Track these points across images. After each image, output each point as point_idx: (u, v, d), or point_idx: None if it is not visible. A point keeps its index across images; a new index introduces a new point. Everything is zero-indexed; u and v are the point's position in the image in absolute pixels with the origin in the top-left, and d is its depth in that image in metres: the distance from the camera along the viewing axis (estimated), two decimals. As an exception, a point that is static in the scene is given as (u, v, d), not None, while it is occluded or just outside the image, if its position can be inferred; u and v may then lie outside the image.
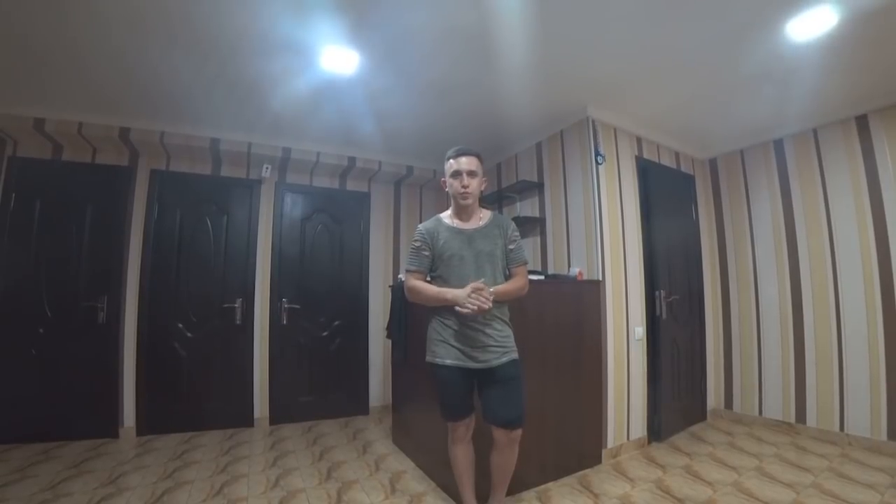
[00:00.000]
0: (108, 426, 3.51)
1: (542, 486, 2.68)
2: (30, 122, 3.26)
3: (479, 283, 1.95)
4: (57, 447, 3.26)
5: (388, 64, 2.73)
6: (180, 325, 3.80)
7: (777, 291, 3.73)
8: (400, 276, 2.86)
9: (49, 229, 3.51)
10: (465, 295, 1.93)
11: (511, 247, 2.19)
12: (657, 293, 3.52)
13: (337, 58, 2.62)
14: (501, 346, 2.08)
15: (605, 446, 3.09)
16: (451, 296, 1.99)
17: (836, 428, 3.30)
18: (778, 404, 3.67)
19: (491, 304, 1.93)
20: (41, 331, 3.42)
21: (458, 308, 1.95)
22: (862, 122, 3.25)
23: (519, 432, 2.11)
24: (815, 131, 3.52)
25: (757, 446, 3.29)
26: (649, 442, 3.40)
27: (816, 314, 3.47)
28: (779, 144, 3.76)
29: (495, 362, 2.05)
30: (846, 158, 3.34)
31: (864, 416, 3.16)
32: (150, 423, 3.62)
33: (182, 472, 2.92)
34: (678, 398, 3.65)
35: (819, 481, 2.65)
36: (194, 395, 3.80)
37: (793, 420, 3.56)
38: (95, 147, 3.65)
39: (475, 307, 1.90)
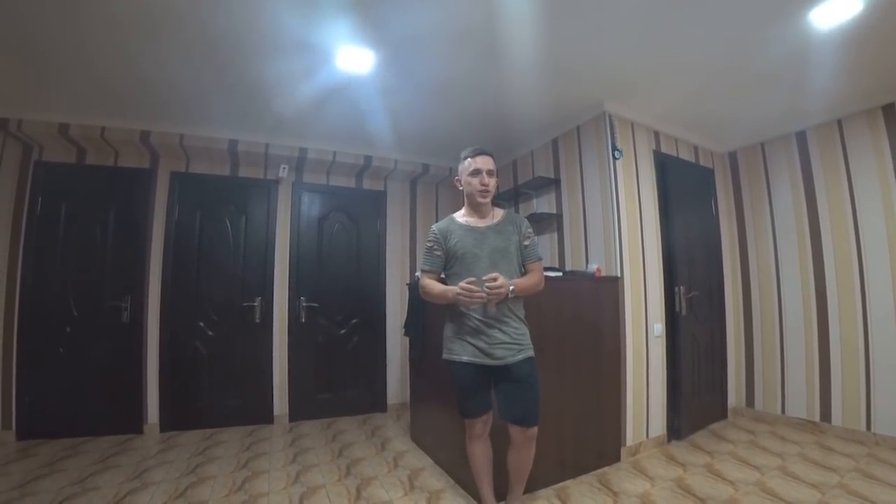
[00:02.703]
0: (132, 422, 3.60)
1: (561, 484, 2.67)
2: (55, 127, 3.35)
3: (486, 276, 1.97)
4: (84, 442, 3.36)
5: (402, 62, 2.74)
6: (201, 324, 3.87)
7: (800, 287, 3.65)
8: (417, 273, 2.88)
9: (74, 231, 3.60)
10: (459, 290, 1.96)
11: (525, 243, 2.20)
12: (676, 289, 3.47)
13: (352, 57, 2.63)
14: (517, 343, 2.09)
15: (624, 444, 3.07)
16: (451, 295, 2.02)
17: (863, 427, 3.21)
18: (801, 402, 3.59)
19: (489, 291, 1.94)
20: (68, 330, 3.52)
21: (458, 302, 1.99)
22: (889, 112, 3.15)
23: (535, 430, 2.11)
24: (839, 122, 3.42)
25: (780, 445, 3.23)
26: (669, 440, 3.36)
27: (842, 310, 3.38)
28: (801, 136, 3.67)
29: (511, 360, 2.06)
30: (873, 149, 3.23)
31: (893, 415, 3.07)
32: (173, 420, 3.70)
33: (205, 467, 2.98)
34: (698, 396, 3.59)
35: (845, 482, 2.59)
36: (215, 392, 3.87)
37: (817, 419, 3.48)
38: (117, 150, 3.73)
39: (469, 299, 1.94)
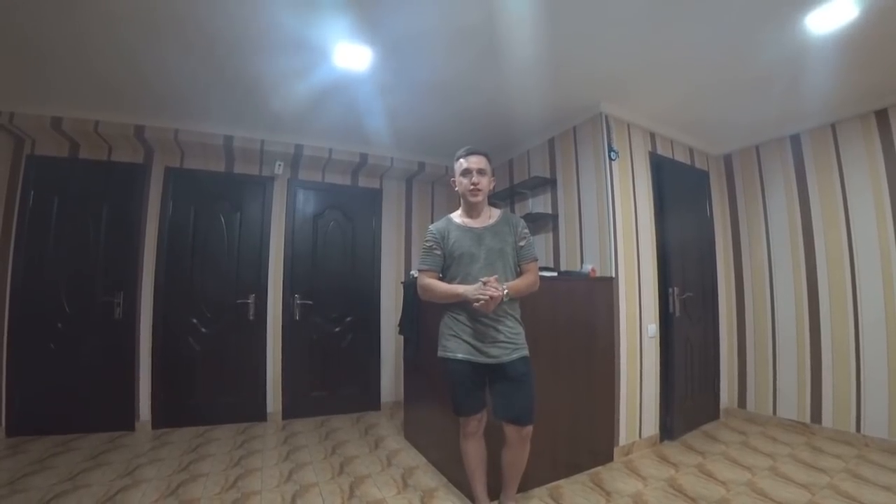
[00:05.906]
0: (124, 419, 3.58)
1: (554, 483, 2.68)
2: (47, 120, 3.31)
3: (489, 278, 1.98)
4: (75, 439, 3.33)
5: (399, 61, 2.73)
6: (195, 321, 3.85)
7: (793, 289, 3.68)
8: (412, 272, 2.87)
9: (67, 226, 3.57)
10: (475, 289, 1.97)
11: (521, 244, 2.20)
12: (671, 290, 3.49)
13: (349, 54, 2.62)
14: (512, 342, 2.09)
15: (617, 444, 3.08)
16: (462, 290, 2.03)
17: (853, 429, 3.24)
18: (793, 404, 3.62)
19: (502, 293, 1.96)
20: (59, 326, 3.49)
21: (471, 300, 1.96)
22: (882, 117, 3.18)
23: (529, 429, 2.11)
24: (833, 126, 3.45)
25: (771, 446, 3.25)
26: (661, 440, 3.38)
27: (833, 312, 3.41)
28: (795, 139, 3.70)
29: (506, 358, 2.07)
30: (865, 154, 3.26)
31: (882, 417, 3.10)
32: (165, 417, 3.68)
33: (197, 464, 2.96)
34: (691, 396, 3.61)
35: (835, 482, 2.61)
36: (208, 389, 3.85)
37: (808, 420, 3.51)
38: (111, 145, 3.70)
39: (486, 298, 1.93)
